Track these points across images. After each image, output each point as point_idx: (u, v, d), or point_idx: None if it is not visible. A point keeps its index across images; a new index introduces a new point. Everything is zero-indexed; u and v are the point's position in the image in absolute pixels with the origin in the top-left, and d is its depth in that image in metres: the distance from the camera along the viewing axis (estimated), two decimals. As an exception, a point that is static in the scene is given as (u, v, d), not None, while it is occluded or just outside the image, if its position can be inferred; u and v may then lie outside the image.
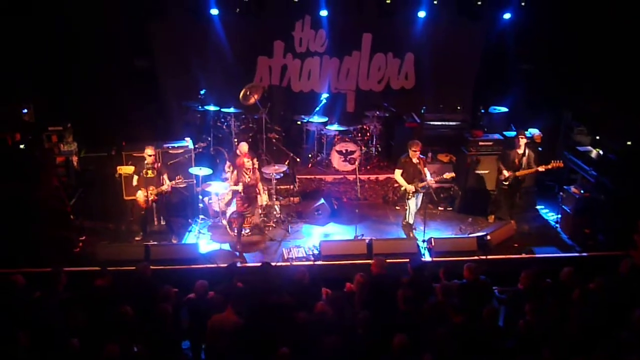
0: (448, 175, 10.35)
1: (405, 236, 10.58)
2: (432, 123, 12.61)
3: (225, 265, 8.75)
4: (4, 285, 7.54)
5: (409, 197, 10.31)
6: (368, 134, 13.20)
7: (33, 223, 9.69)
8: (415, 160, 10.15)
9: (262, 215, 10.85)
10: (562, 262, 9.20)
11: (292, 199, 11.77)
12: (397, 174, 10.34)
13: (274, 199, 11.25)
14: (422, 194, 10.45)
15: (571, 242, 10.44)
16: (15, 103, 11.61)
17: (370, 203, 12.06)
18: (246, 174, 10.03)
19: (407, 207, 10.46)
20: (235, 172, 10.46)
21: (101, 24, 12.12)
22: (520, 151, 10.63)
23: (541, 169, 10.50)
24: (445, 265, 8.46)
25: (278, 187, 11.47)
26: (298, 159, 12.64)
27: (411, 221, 10.56)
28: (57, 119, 11.90)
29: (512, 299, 7.91)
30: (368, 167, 13.14)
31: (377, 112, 13.09)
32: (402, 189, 10.33)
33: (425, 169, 10.25)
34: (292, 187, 12.08)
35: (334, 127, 13.01)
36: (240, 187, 10.05)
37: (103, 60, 12.30)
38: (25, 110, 11.71)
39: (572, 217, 10.57)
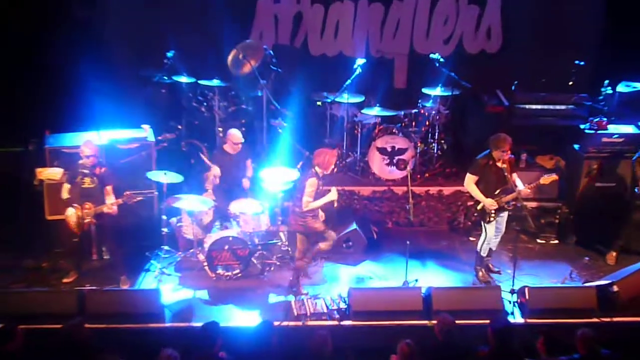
0: (547, 179, 10.34)
1: (480, 282, 10.70)
2: (527, 107, 12.69)
3: (203, 324, 8.76)
4: None
5: (489, 218, 10.36)
6: (427, 124, 13.26)
7: None
8: (500, 165, 10.15)
9: (259, 247, 10.97)
10: None
11: None
12: (470, 182, 10.39)
13: (278, 223, 11.32)
14: (508, 214, 10.49)
15: None
16: None
17: (430, 231, 12.12)
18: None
19: (484, 234, 10.52)
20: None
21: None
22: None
23: None
24: (546, 331, 8.43)
25: (286, 203, 11.50)
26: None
27: (485, 254, 10.68)
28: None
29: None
30: (427, 175, 13.15)
31: (442, 90, 13.13)
32: (479, 205, 10.36)
33: (515, 177, 10.34)
34: None
35: (374, 112, 13.10)
36: (334, 195, 10.11)
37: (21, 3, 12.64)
38: None
39: None
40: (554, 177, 10.36)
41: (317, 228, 10.19)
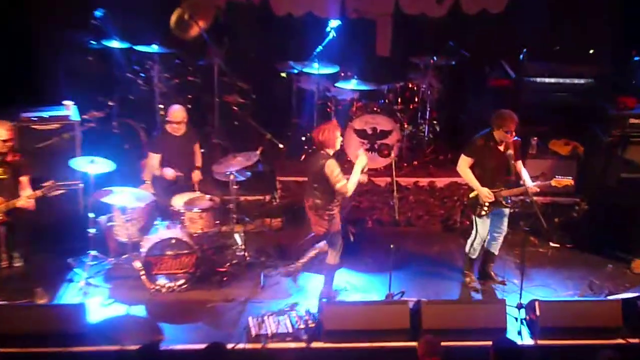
0: (562, 181, 10.38)
1: (470, 290, 10.90)
2: (538, 80, 12.82)
3: (139, 347, 8.74)
4: None
5: (481, 211, 10.48)
6: (416, 100, 13.36)
7: None
8: (503, 149, 10.26)
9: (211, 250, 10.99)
10: None
11: (268, 221, 11.90)
12: (463, 165, 10.51)
13: (233, 222, 11.35)
14: (508, 212, 10.60)
15: None
16: None
17: (419, 231, 12.25)
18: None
19: (474, 231, 10.69)
20: None
21: None
22: None
23: None
24: (560, 354, 8.50)
25: (243, 198, 11.56)
26: (281, 145, 12.67)
27: (475, 256, 10.83)
28: None
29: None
30: (415, 163, 13.25)
31: (435, 59, 13.22)
32: (472, 194, 10.48)
33: (522, 167, 10.45)
34: (268, 198, 12.21)
35: (351, 86, 13.20)
36: (365, 159, 10.11)
37: None
38: None
39: None
40: (569, 181, 10.37)
41: (337, 227, 10.25)
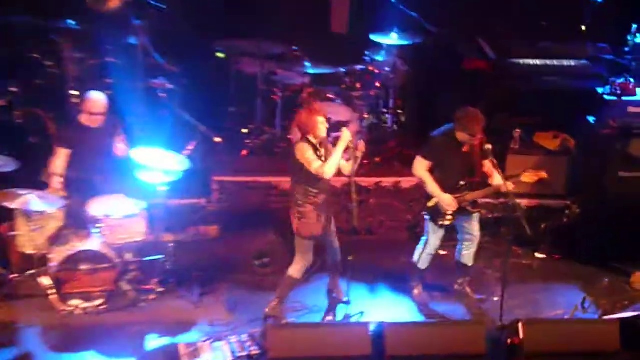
0: (531, 175, 10.45)
1: (417, 304, 11.09)
2: (522, 62, 12.92)
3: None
4: None
5: (442, 222, 10.66)
6: (378, 86, 13.41)
7: None
8: (466, 149, 10.44)
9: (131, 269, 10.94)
10: None
11: (203, 229, 11.94)
12: (420, 167, 10.63)
13: (162, 230, 11.33)
14: (477, 215, 10.79)
15: None
16: None
17: (382, 240, 12.42)
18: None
19: (425, 237, 10.91)
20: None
21: None
22: None
23: None
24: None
25: (173, 202, 11.64)
26: (218, 139, 12.58)
27: (424, 266, 11.02)
28: None
29: None
30: (377, 160, 13.25)
31: (400, 37, 13.23)
32: (431, 203, 10.63)
33: (490, 166, 10.55)
34: (203, 202, 12.20)
35: (302, 69, 13.22)
36: (348, 135, 10.10)
37: None
38: None
39: None
40: (542, 174, 10.53)
41: (309, 231, 10.26)
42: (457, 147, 10.39)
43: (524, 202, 11.45)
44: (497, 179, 10.37)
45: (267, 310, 10.46)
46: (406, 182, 12.84)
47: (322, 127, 10.09)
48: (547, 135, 12.59)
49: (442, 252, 11.64)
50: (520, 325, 9.89)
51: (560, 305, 11.07)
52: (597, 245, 11.86)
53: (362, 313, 10.56)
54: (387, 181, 12.89)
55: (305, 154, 9.98)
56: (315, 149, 10.07)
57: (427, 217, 10.77)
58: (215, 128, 12.89)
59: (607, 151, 11.92)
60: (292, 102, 13.14)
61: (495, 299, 10.63)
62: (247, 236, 11.44)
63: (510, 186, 10.29)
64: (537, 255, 11.95)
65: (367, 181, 12.69)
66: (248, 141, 13.29)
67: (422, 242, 10.81)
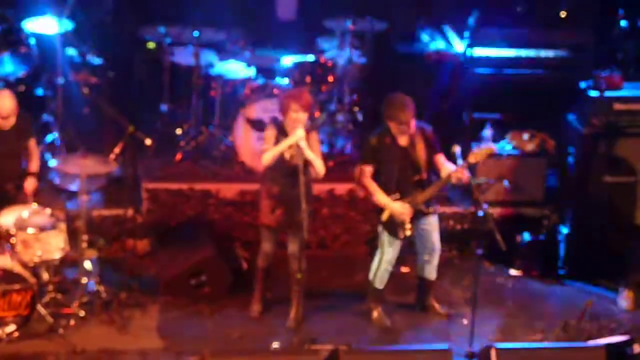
0: (478, 153, 10.53)
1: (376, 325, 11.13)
2: (493, 52, 12.90)
3: None
4: None
5: (406, 231, 10.75)
6: (332, 80, 13.41)
7: None
8: (404, 142, 10.58)
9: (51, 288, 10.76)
10: None
11: (131, 243, 11.86)
12: (364, 176, 10.76)
13: (83, 246, 11.09)
14: (436, 222, 10.88)
15: None
16: None
17: (336, 256, 12.41)
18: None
19: (379, 252, 10.99)
20: None
21: None
22: None
23: None
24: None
25: (96, 213, 11.68)
26: (148, 141, 12.47)
27: (381, 285, 11.05)
28: None
29: None
30: (330, 164, 13.05)
31: (354, 25, 13.25)
32: (385, 215, 10.76)
33: (442, 159, 10.72)
34: (131, 213, 12.07)
35: (244, 60, 13.22)
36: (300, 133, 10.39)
37: None
38: None
39: None
40: (491, 148, 10.70)
41: (262, 218, 10.81)
42: (394, 142, 10.51)
43: (496, 211, 11.41)
44: (445, 169, 10.53)
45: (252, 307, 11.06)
46: (364, 190, 12.76)
47: (290, 117, 10.43)
48: (523, 134, 12.54)
49: (403, 270, 11.74)
50: (492, 352, 9.69)
51: (538, 329, 11.08)
52: (580, 260, 11.90)
53: (314, 339, 10.45)
54: (342, 188, 12.88)
55: (266, 133, 10.55)
56: (283, 134, 10.44)
57: (384, 231, 10.80)
58: (146, 128, 12.65)
59: (590, 153, 11.92)
60: (232, 98, 13.12)
61: (465, 322, 10.60)
62: (181, 251, 11.38)
63: (459, 174, 10.35)
64: (512, 272, 11.97)
65: (318, 188, 12.56)
66: (183, 143, 13.23)
67: (376, 258, 10.85)
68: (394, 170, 10.55)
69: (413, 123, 10.39)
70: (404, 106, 10.35)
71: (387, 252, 10.77)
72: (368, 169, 10.61)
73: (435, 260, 10.96)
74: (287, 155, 10.43)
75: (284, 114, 10.45)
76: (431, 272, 11.01)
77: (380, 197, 10.55)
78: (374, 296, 11.07)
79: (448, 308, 11.13)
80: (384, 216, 10.65)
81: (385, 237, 10.75)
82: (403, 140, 10.50)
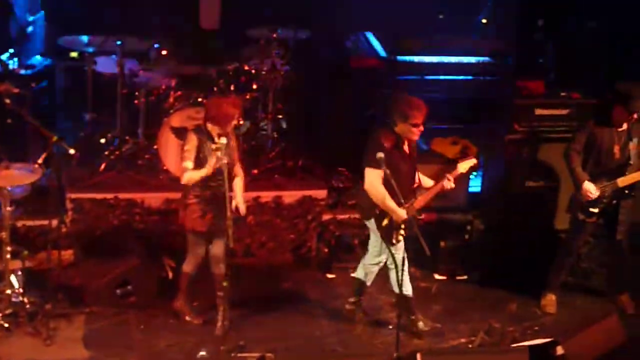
0: (465, 163, 10.55)
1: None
2: (416, 60, 13.10)
3: None
4: None
5: (399, 236, 10.58)
6: (255, 88, 13.43)
7: None
8: (406, 148, 10.48)
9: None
10: None
11: (56, 254, 11.58)
12: (376, 182, 10.38)
13: (6, 257, 10.87)
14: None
15: None
16: None
17: (263, 264, 12.39)
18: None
19: (392, 264, 10.62)
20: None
21: None
22: (622, 131, 11.12)
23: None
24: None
25: (20, 223, 11.56)
26: (73, 150, 12.39)
27: (407, 290, 10.80)
28: None
29: None
30: (255, 172, 13.18)
31: (279, 32, 13.32)
32: (384, 222, 10.50)
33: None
34: (55, 223, 11.82)
35: (167, 69, 13.19)
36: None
37: None
38: None
39: None
40: (472, 160, 10.66)
41: (191, 224, 10.62)
42: (400, 147, 10.38)
43: (420, 217, 11.51)
44: (425, 181, 10.62)
45: (175, 304, 10.93)
46: (289, 197, 12.82)
47: (231, 124, 10.52)
48: (446, 141, 12.61)
49: (330, 276, 11.76)
50: (418, 356, 9.75)
51: (463, 333, 11.08)
52: (503, 265, 11.98)
53: (242, 346, 10.41)
54: (267, 196, 12.81)
55: (187, 145, 10.37)
56: (210, 140, 10.34)
57: (378, 237, 10.69)
58: (70, 138, 12.69)
59: (512, 159, 12.05)
60: (157, 107, 13.04)
61: (390, 327, 10.63)
62: (107, 261, 11.31)
63: (450, 185, 10.42)
64: (437, 276, 12.02)
65: (244, 196, 12.64)
66: (107, 152, 13.13)
67: (396, 273, 10.37)
68: (400, 177, 10.19)
69: (421, 128, 10.32)
70: (420, 107, 10.18)
71: (398, 261, 10.39)
72: (379, 173, 10.14)
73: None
74: (212, 162, 10.30)
75: (221, 121, 10.38)
76: (409, 287, 10.82)
77: (389, 202, 10.32)
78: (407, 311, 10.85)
79: (375, 314, 11.14)
80: (385, 221, 10.49)
81: (392, 244, 10.50)
82: (406, 145, 10.43)
